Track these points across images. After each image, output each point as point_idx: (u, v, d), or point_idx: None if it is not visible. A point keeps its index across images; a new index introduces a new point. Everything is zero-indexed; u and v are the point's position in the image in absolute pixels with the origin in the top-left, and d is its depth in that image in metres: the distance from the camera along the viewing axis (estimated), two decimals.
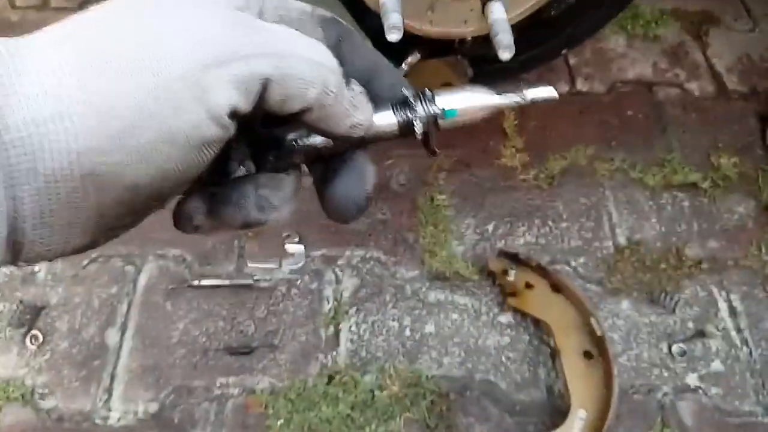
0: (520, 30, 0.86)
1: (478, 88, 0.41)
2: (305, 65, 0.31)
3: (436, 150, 0.41)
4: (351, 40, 0.37)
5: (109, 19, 0.29)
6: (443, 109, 0.39)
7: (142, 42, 0.28)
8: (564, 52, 1.03)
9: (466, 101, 0.40)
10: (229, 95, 0.29)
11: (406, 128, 0.38)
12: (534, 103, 0.43)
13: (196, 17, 0.29)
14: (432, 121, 0.39)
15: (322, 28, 0.36)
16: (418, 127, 0.38)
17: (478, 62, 0.99)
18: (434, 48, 0.96)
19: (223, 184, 0.36)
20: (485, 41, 0.85)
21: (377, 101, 0.38)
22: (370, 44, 0.38)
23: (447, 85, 1.00)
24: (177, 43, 0.28)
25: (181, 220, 0.36)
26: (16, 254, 0.28)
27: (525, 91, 0.42)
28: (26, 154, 0.26)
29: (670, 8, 1.70)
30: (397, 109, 0.38)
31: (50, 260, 0.31)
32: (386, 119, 0.38)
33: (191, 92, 0.28)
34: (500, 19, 0.81)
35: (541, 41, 1.00)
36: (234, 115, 0.30)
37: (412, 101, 0.38)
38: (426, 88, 0.39)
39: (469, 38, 0.91)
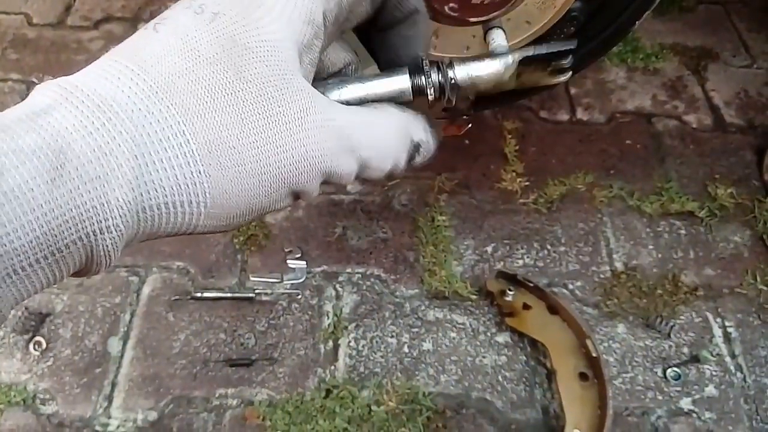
0: None
1: (498, 56, 0.42)
2: (382, 165, 0.39)
3: (465, 112, 0.43)
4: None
5: (232, 113, 0.33)
6: (455, 77, 0.40)
7: (254, 150, 0.33)
8: None
9: (482, 69, 0.41)
10: (317, 188, 0.37)
11: (419, 92, 0.40)
12: (549, 58, 0.43)
13: (296, 125, 0.34)
14: (449, 87, 0.40)
15: None
16: (430, 93, 0.40)
17: None
18: None
19: None
20: None
21: (399, 52, 0.42)
22: None
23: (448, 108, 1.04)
24: (286, 161, 0.34)
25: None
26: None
27: (538, 46, 0.42)
28: (159, 223, 0.33)
29: (669, 43, 1.75)
30: (413, 74, 0.40)
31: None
32: (402, 83, 0.40)
33: (290, 191, 0.36)
34: (501, 46, 0.84)
35: None
36: None
37: (426, 67, 0.40)
38: (448, 57, 0.41)
39: None
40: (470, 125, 0.51)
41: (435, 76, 0.40)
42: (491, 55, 0.42)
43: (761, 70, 1.70)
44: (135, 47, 0.33)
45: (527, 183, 1.43)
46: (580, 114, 1.59)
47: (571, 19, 0.89)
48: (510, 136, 1.51)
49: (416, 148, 0.41)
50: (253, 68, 0.33)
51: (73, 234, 0.29)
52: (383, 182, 1.32)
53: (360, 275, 1.29)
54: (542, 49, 0.42)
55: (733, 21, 1.82)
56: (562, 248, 1.34)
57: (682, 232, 1.37)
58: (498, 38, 0.80)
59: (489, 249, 1.34)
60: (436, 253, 1.32)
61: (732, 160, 1.50)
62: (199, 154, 0.31)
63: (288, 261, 1.29)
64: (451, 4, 0.76)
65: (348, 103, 0.39)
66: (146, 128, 0.30)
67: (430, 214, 1.38)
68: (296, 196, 0.37)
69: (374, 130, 0.38)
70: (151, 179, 0.31)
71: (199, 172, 0.32)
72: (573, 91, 1.63)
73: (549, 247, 1.34)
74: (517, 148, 1.49)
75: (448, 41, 0.90)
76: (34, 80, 1.62)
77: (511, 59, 0.42)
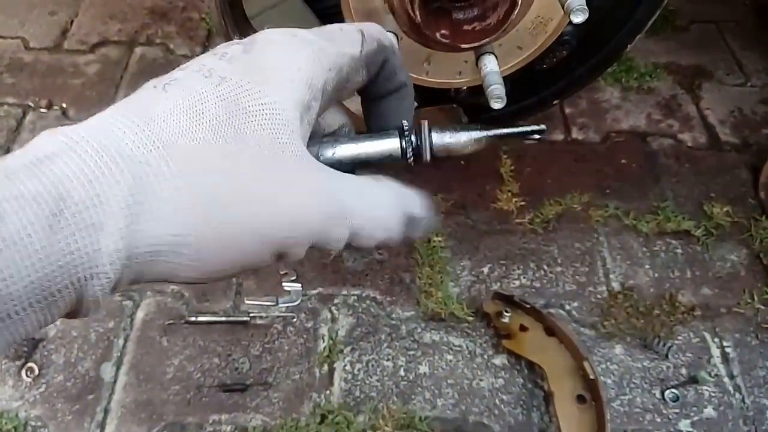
0: (512, 81, 0.90)
1: (472, 129, 0.46)
2: (374, 235, 0.39)
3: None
4: (389, 68, 0.44)
5: (227, 174, 0.34)
6: (431, 144, 0.45)
7: (244, 211, 0.34)
8: (555, 102, 1.07)
9: (457, 139, 0.45)
10: (303, 252, 0.37)
11: (403, 155, 0.44)
12: (521, 135, 0.48)
13: (288, 190, 0.35)
14: (427, 152, 0.45)
15: (367, 67, 0.42)
16: (409, 154, 0.44)
17: (472, 110, 1.03)
18: (431, 97, 0.99)
19: None
20: (480, 90, 0.88)
21: (389, 120, 0.46)
22: (402, 66, 0.45)
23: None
24: (273, 224, 0.35)
25: None
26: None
27: (512, 129, 0.47)
28: (143, 271, 0.33)
29: (663, 62, 1.76)
30: (400, 138, 0.44)
31: None
32: (391, 145, 0.44)
33: (274, 252, 0.36)
34: (493, 71, 0.85)
35: (533, 92, 1.04)
36: None
37: (408, 132, 0.44)
38: (426, 123, 0.45)
39: (464, 88, 0.95)
40: None
41: (415, 142, 0.44)
42: (468, 127, 0.46)
43: (755, 88, 1.71)
44: (143, 104, 0.34)
45: (523, 203, 1.43)
46: (575, 134, 1.59)
47: (563, 44, 0.89)
48: (505, 156, 1.51)
49: (411, 222, 0.41)
50: (251, 131, 0.35)
51: (66, 279, 0.29)
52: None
53: (356, 297, 1.28)
54: (515, 130, 0.47)
55: (726, 40, 1.83)
56: (559, 269, 1.33)
57: (679, 251, 1.37)
58: (490, 64, 0.80)
59: (485, 270, 1.33)
60: (433, 274, 1.31)
61: (727, 179, 1.50)
62: (189, 208, 0.32)
63: (283, 283, 1.28)
64: (442, 31, 0.76)
65: (341, 161, 0.42)
66: (143, 179, 0.31)
67: (426, 235, 1.37)
68: (280, 257, 0.37)
69: (368, 200, 0.39)
70: (141, 228, 0.31)
71: (186, 225, 0.32)
72: (568, 110, 1.64)
73: (545, 267, 1.34)
74: (512, 168, 1.49)
75: (441, 67, 0.90)
76: (30, 104, 1.62)
77: (484, 137, 0.46)
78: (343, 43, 0.40)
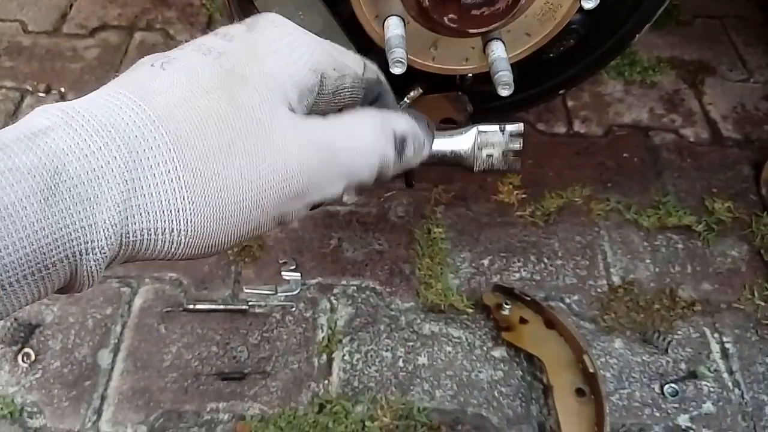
0: (519, 69, 0.89)
1: (455, 136, 0.48)
2: (368, 162, 0.40)
3: (413, 183, 0.50)
4: (384, 97, 0.45)
5: (220, 141, 0.34)
6: None
7: (238, 175, 0.34)
8: (561, 92, 1.06)
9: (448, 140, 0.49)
10: (303, 211, 0.38)
11: None
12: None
13: (284, 155, 0.35)
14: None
15: (366, 89, 0.43)
16: None
17: (478, 98, 1.02)
18: (436, 83, 0.98)
19: None
20: (486, 78, 0.87)
21: None
22: (393, 98, 0.47)
23: (447, 120, 1.04)
24: (267, 184, 0.35)
25: None
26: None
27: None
28: (139, 248, 0.33)
29: (666, 56, 1.75)
30: None
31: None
32: None
33: (272, 220, 0.36)
34: (500, 58, 0.84)
35: (539, 81, 1.03)
36: None
37: None
38: None
39: (470, 75, 0.94)
40: None
41: None
42: (456, 132, 0.50)
43: (758, 85, 1.70)
44: (140, 81, 0.34)
45: (524, 195, 1.42)
46: (578, 127, 1.58)
47: (571, 32, 0.88)
48: None
49: (402, 140, 0.42)
50: (246, 95, 0.35)
51: (60, 252, 0.29)
52: (380, 188, 1.31)
53: (355, 288, 1.28)
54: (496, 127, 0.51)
55: (729, 35, 1.82)
56: (559, 262, 1.33)
57: (680, 246, 1.37)
58: (498, 50, 0.79)
59: (485, 262, 1.32)
60: (432, 265, 1.30)
61: (729, 174, 1.49)
62: (184, 181, 0.32)
63: (282, 273, 1.28)
64: (450, 15, 0.75)
65: None
66: (139, 154, 0.31)
67: (426, 226, 1.36)
68: (280, 221, 0.37)
69: (352, 130, 0.39)
70: (137, 203, 0.31)
71: (183, 198, 0.32)
72: (570, 103, 1.63)
73: (546, 260, 1.33)
74: None
75: (447, 52, 0.89)
76: (28, 88, 1.60)
77: (472, 133, 0.50)
78: (348, 57, 0.42)
